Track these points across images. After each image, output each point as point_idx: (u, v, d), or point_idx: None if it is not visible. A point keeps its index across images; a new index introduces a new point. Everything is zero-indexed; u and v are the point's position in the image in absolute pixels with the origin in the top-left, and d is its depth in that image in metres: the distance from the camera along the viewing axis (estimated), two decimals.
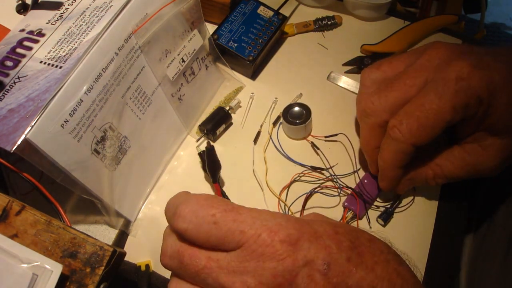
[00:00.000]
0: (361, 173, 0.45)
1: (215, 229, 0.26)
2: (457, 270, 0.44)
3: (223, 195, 0.43)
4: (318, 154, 0.46)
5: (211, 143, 0.42)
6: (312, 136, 0.47)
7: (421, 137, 0.36)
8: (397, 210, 0.43)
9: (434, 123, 0.35)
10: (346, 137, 0.46)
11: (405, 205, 0.43)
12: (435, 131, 0.36)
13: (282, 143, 0.47)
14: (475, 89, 0.34)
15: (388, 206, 0.43)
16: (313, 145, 0.46)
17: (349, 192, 0.43)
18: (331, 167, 0.45)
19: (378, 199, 0.44)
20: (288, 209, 0.43)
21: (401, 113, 0.37)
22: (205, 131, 0.46)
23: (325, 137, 0.47)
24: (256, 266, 0.25)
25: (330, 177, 0.44)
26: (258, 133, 0.47)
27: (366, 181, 0.43)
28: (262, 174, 0.44)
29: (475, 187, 0.47)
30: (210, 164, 0.42)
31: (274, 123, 0.48)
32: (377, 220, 0.43)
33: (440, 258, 0.41)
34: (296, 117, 0.45)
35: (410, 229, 0.42)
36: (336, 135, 0.47)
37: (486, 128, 0.37)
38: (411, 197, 0.44)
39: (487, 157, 0.38)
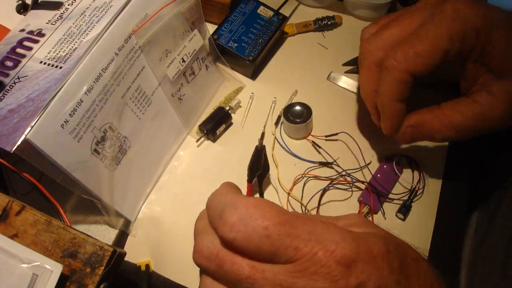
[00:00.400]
0: (367, 170, 0.45)
1: (267, 243, 0.25)
2: (457, 270, 0.44)
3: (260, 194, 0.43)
4: (320, 152, 0.46)
5: (259, 144, 0.41)
6: (312, 135, 0.47)
7: (418, 65, 0.35)
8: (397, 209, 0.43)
9: (431, 50, 0.35)
10: (348, 135, 0.46)
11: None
12: (432, 60, 0.35)
13: (284, 142, 0.47)
14: (471, 18, 0.34)
15: (405, 199, 0.43)
16: (314, 144, 0.46)
17: (361, 186, 0.44)
18: (335, 161, 0.45)
19: (392, 192, 0.44)
20: (305, 208, 0.43)
21: (396, 46, 0.36)
22: (205, 131, 0.46)
23: (326, 136, 0.47)
24: (307, 284, 0.24)
25: (341, 172, 0.44)
26: (263, 134, 0.47)
27: (379, 175, 0.44)
28: (271, 173, 0.44)
29: (475, 188, 0.47)
30: (251, 162, 0.41)
31: (276, 123, 0.48)
32: (396, 215, 0.43)
33: (440, 258, 0.41)
34: (297, 116, 0.45)
35: (410, 230, 0.42)
36: (336, 134, 0.47)
37: (489, 70, 0.36)
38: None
39: (495, 102, 0.36)
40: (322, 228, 0.25)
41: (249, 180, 0.42)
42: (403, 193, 0.44)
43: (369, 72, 0.39)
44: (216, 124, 0.46)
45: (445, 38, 0.34)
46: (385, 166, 0.45)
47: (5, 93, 0.34)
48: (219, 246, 0.26)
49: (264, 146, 0.41)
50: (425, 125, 0.39)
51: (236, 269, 0.25)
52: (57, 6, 0.40)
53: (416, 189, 0.44)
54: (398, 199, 0.43)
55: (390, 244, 0.26)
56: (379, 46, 0.38)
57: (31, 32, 0.38)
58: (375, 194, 0.43)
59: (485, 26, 0.34)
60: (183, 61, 0.44)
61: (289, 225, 0.25)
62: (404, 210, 0.43)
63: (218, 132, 0.46)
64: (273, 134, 0.47)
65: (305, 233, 0.25)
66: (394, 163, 0.45)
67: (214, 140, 0.47)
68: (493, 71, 0.36)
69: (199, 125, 0.47)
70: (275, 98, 0.49)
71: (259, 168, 0.42)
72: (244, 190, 0.42)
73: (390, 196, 0.44)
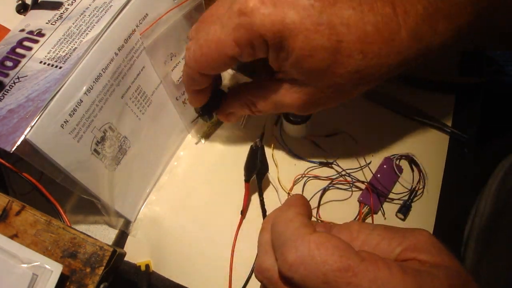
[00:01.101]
0: (367, 170, 0.45)
1: (326, 287, 0.24)
2: None
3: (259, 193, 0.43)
4: (320, 152, 0.46)
5: (258, 143, 0.41)
6: (313, 135, 0.47)
7: (204, 67, 0.34)
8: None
9: (216, 54, 0.33)
10: (348, 135, 0.46)
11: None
12: (219, 63, 0.34)
13: (284, 142, 0.47)
14: (256, 27, 0.30)
15: (406, 199, 0.43)
16: (314, 143, 0.46)
17: (361, 186, 0.44)
18: (335, 161, 0.45)
19: (392, 192, 0.44)
20: None
21: (195, 36, 0.35)
22: (200, 112, 0.43)
23: (326, 136, 0.47)
24: None
25: (341, 172, 0.44)
26: (262, 134, 0.47)
27: (379, 175, 0.44)
28: (271, 173, 0.44)
29: (473, 189, 0.47)
30: (247, 161, 0.42)
31: (276, 123, 0.48)
32: (396, 215, 0.43)
33: None
34: (296, 116, 0.45)
35: None
36: (336, 134, 0.47)
37: (289, 78, 0.34)
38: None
39: (290, 98, 0.35)
40: (385, 275, 0.24)
41: (246, 180, 0.42)
42: (403, 193, 0.44)
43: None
44: (211, 104, 0.42)
45: (230, 45, 0.32)
46: (385, 166, 0.45)
47: (5, 93, 0.34)
48: (278, 276, 0.26)
49: (263, 146, 0.41)
50: (239, 112, 0.41)
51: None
52: (57, 6, 0.40)
53: (416, 189, 0.44)
54: (398, 199, 0.43)
55: (456, 287, 0.25)
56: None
57: (31, 32, 0.38)
58: (375, 194, 0.43)
59: (274, 34, 0.30)
60: None
61: (351, 272, 0.24)
62: (404, 210, 0.43)
63: (214, 115, 0.44)
64: (273, 134, 0.47)
65: (366, 282, 0.24)
66: (394, 163, 0.45)
67: (212, 127, 0.47)
68: (292, 78, 0.34)
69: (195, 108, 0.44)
70: None
71: (255, 168, 0.42)
72: (243, 190, 0.42)
73: (390, 196, 0.44)
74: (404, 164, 0.45)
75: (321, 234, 0.25)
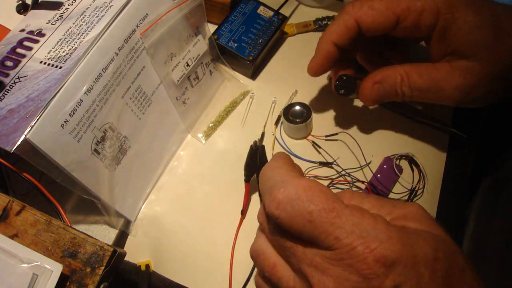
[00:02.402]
0: (367, 170, 0.45)
1: (309, 227, 0.25)
2: None
3: (259, 194, 0.43)
4: (320, 152, 0.46)
5: (258, 143, 0.41)
6: (312, 135, 0.47)
7: (367, 16, 0.37)
8: None
9: (385, 9, 0.37)
10: (348, 135, 0.46)
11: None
12: (383, 19, 0.37)
13: (284, 142, 0.47)
14: None
15: (406, 198, 0.43)
16: (314, 144, 0.46)
17: (361, 186, 0.44)
18: (335, 161, 0.45)
19: (392, 192, 0.44)
20: None
21: None
22: (340, 87, 0.43)
23: (326, 136, 0.47)
24: (340, 274, 0.24)
25: (341, 172, 0.44)
26: (263, 134, 0.47)
27: (379, 175, 0.44)
28: None
29: (473, 190, 0.47)
30: (247, 161, 0.41)
31: (276, 123, 0.48)
32: None
33: None
34: (296, 116, 0.45)
35: None
36: (336, 134, 0.47)
37: (454, 50, 0.37)
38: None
39: (452, 76, 0.37)
40: (369, 222, 0.25)
41: (246, 180, 0.42)
42: (403, 193, 0.44)
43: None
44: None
45: (402, 6, 0.36)
46: (385, 166, 0.45)
47: (5, 93, 0.34)
48: (265, 217, 0.28)
49: (263, 146, 0.41)
50: (388, 80, 0.40)
51: (284, 239, 0.26)
52: (57, 6, 0.40)
53: (416, 189, 0.44)
54: (398, 199, 0.43)
55: (440, 251, 0.25)
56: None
57: (31, 32, 0.38)
58: (375, 194, 0.43)
59: (448, 7, 0.35)
60: (188, 65, 0.44)
61: (335, 213, 0.25)
62: None
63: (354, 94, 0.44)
64: (273, 134, 0.47)
65: (349, 225, 0.25)
66: (394, 163, 0.45)
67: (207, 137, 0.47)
68: (458, 52, 0.37)
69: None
70: (275, 98, 0.49)
71: (255, 168, 0.42)
72: (243, 190, 0.42)
73: (390, 196, 0.44)
74: (404, 164, 0.45)
75: (309, 179, 0.26)
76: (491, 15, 0.36)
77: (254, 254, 0.30)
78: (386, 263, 0.24)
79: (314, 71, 0.42)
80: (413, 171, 0.45)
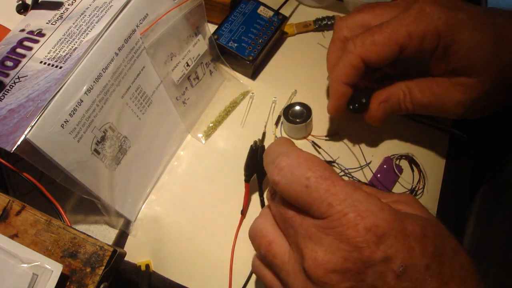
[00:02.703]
0: (367, 169, 0.45)
1: (305, 193, 0.26)
2: None
3: (260, 194, 0.43)
4: (320, 152, 0.46)
5: (258, 143, 0.41)
6: (312, 135, 0.47)
7: (371, 52, 0.37)
8: None
9: (387, 42, 0.37)
10: (348, 134, 0.46)
11: None
12: (386, 51, 0.37)
13: None
14: (433, 21, 0.36)
15: None
16: (314, 144, 0.46)
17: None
18: (335, 161, 0.45)
19: (392, 191, 0.44)
20: None
21: (362, 31, 0.39)
22: (351, 106, 0.43)
23: (326, 136, 0.47)
24: (332, 243, 0.25)
25: (341, 172, 0.44)
26: (264, 134, 0.47)
27: (379, 175, 0.44)
28: None
29: (473, 190, 0.47)
30: (247, 161, 0.41)
31: (276, 123, 0.48)
32: None
33: None
34: (296, 116, 0.45)
35: None
36: (336, 134, 0.47)
37: (454, 68, 0.37)
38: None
39: (452, 91, 0.38)
40: (362, 195, 0.26)
41: (246, 180, 0.42)
42: (403, 193, 0.44)
43: (333, 47, 0.42)
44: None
45: (403, 34, 0.36)
46: (385, 166, 0.45)
47: (5, 93, 0.34)
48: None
49: (264, 146, 0.41)
50: (393, 97, 0.41)
51: (286, 209, 0.28)
52: (57, 6, 0.40)
53: (416, 189, 0.44)
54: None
55: (429, 230, 0.26)
56: (347, 25, 0.41)
57: (31, 32, 0.38)
58: None
59: (448, 28, 0.35)
60: (188, 65, 0.44)
61: (330, 182, 0.26)
62: None
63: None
64: (273, 134, 0.47)
65: (343, 193, 0.25)
66: (394, 163, 0.45)
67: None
68: (457, 70, 0.37)
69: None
70: (275, 98, 0.49)
71: (255, 168, 0.42)
72: (243, 190, 0.42)
73: None
74: (404, 164, 0.45)
75: (310, 153, 0.28)
76: (493, 30, 0.36)
77: (252, 234, 0.31)
78: (377, 232, 0.24)
79: (336, 112, 0.43)
80: (413, 171, 0.45)
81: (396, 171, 0.44)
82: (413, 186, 0.44)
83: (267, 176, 0.29)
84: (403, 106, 0.41)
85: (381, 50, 0.37)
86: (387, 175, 0.44)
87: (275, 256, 0.29)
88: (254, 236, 0.31)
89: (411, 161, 0.45)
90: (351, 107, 0.42)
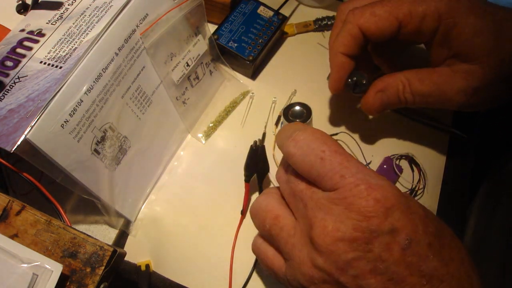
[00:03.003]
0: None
1: (320, 164, 0.27)
2: None
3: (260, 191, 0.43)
4: None
5: (258, 143, 0.41)
6: None
7: (370, 22, 0.37)
8: None
9: (387, 15, 0.37)
10: (348, 135, 0.46)
11: None
12: (385, 24, 0.37)
13: None
14: (435, 2, 0.36)
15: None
16: None
17: None
18: None
19: None
20: None
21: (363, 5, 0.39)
22: (351, 85, 0.42)
23: None
24: (341, 212, 0.25)
25: None
26: (264, 135, 0.47)
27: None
28: (272, 173, 0.44)
29: (473, 189, 0.47)
30: (247, 161, 0.41)
31: (276, 123, 0.48)
32: None
33: None
34: (296, 116, 0.45)
35: None
36: (336, 134, 0.47)
37: (456, 53, 0.37)
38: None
39: (454, 79, 0.37)
40: (373, 173, 0.27)
41: (246, 180, 0.42)
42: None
43: (336, 29, 0.42)
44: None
45: (404, 11, 0.36)
46: (385, 166, 0.45)
47: (5, 93, 0.34)
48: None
49: (264, 146, 0.41)
50: (390, 88, 0.40)
51: (297, 181, 0.29)
52: (57, 6, 0.40)
53: (416, 189, 0.44)
54: None
55: (429, 214, 0.27)
56: (349, 7, 0.40)
57: (31, 32, 0.38)
58: None
59: (449, 10, 0.36)
60: (188, 65, 0.44)
61: (344, 157, 0.27)
62: None
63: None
64: (273, 134, 0.47)
65: (355, 167, 0.26)
66: (394, 163, 0.45)
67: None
68: (460, 55, 0.37)
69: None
70: (275, 98, 0.49)
71: (255, 168, 0.42)
72: (243, 190, 0.42)
73: None
74: (404, 164, 0.45)
75: (322, 131, 0.29)
76: (493, 19, 0.36)
77: (255, 210, 0.32)
78: (386, 204, 0.25)
79: (336, 87, 0.42)
80: (413, 171, 0.45)
81: (397, 171, 0.44)
82: (413, 186, 0.44)
83: (282, 152, 0.30)
84: (402, 98, 0.40)
85: (379, 22, 0.37)
86: (387, 175, 0.44)
87: (282, 229, 0.30)
88: (258, 212, 0.32)
89: (411, 161, 0.45)
90: (349, 80, 0.41)
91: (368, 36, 0.38)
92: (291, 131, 0.29)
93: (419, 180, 0.44)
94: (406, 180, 0.44)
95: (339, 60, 0.40)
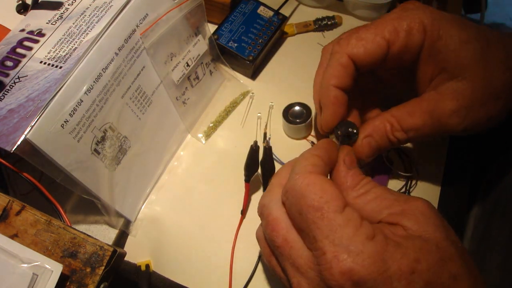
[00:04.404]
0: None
1: (299, 219, 0.27)
2: None
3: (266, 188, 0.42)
4: None
5: (258, 144, 0.40)
6: (312, 136, 0.47)
7: (358, 47, 0.35)
8: None
9: (373, 36, 0.35)
10: None
11: None
12: (374, 46, 0.35)
13: (283, 143, 0.47)
14: (418, 15, 0.35)
15: (402, 191, 0.43)
16: (314, 144, 0.46)
17: None
18: None
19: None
20: None
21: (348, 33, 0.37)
22: (340, 137, 0.38)
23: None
24: (314, 279, 0.26)
25: None
26: (265, 134, 0.47)
27: (374, 174, 0.44)
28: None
29: (473, 190, 0.47)
30: (247, 161, 0.41)
31: (264, 139, 0.47)
32: None
33: None
34: (296, 117, 0.45)
35: None
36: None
37: (443, 68, 0.36)
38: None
39: (444, 102, 0.35)
40: (348, 232, 0.26)
41: (246, 180, 0.42)
42: (419, 198, 0.44)
43: (321, 68, 0.39)
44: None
45: (389, 29, 0.35)
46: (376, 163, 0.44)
47: (5, 93, 0.34)
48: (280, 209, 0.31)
49: (270, 147, 0.41)
50: (377, 130, 0.37)
51: (277, 231, 0.29)
52: (57, 6, 0.40)
53: (412, 175, 0.44)
54: (407, 194, 0.44)
55: (423, 261, 0.25)
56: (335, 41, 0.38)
57: (31, 32, 0.38)
58: None
59: (433, 23, 0.35)
60: (188, 65, 0.44)
61: (320, 213, 0.26)
62: None
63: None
64: (269, 138, 0.47)
65: (327, 229, 0.26)
66: (383, 157, 0.44)
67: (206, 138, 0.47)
68: (446, 70, 0.35)
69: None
70: (275, 98, 0.49)
71: (255, 168, 0.42)
72: (243, 190, 0.42)
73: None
74: (394, 157, 0.45)
75: (322, 177, 0.29)
76: (477, 31, 0.35)
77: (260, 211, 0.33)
78: (353, 277, 0.24)
79: (331, 124, 0.37)
80: (403, 161, 0.45)
81: (388, 164, 0.44)
82: (408, 175, 0.44)
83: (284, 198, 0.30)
84: (392, 139, 0.37)
85: (367, 44, 0.35)
86: (378, 169, 0.44)
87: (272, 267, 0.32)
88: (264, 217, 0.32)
89: (401, 152, 0.45)
90: (339, 132, 0.37)
91: (359, 63, 0.36)
92: (288, 170, 0.30)
93: (411, 167, 0.44)
94: (401, 178, 0.44)
95: (332, 94, 0.36)
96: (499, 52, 0.35)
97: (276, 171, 0.37)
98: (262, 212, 0.32)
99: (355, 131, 0.37)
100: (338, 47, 0.36)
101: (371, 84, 0.42)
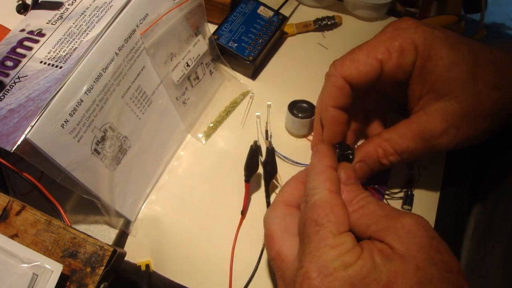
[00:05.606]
0: None
1: (302, 230, 0.30)
2: None
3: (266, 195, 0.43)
4: None
5: (258, 144, 0.40)
6: (313, 135, 0.47)
7: (352, 70, 0.37)
8: None
9: (366, 58, 0.36)
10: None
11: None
12: (367, 67, 0.36)
13: (284, 142, 0.47)
14: (410, 34, 0.36)
15: (405, 190, 0.44)
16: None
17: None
18: None
19: (391, 189, 0.44)
20: None
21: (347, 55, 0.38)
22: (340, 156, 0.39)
23: None
24: None
25: None
26: (267, 132, 0.47)
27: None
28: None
29: (473, 189, 0.47)
30: (247, 162, 0.41)
31: (266, 137, 0.47)
32: (402, 207, 0.43)
33: None
34: (301, 112, 0.45)
35: None
36: None
37: (430, 88, 0.36)
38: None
39: (433, 122, 0.36)
40: (335, 253, 0.27)
41: (246, 180, 0.42)
42: (413, 215, 0.44)
43: (323, 89, 0.41)
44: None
45: (382, 50, 0.36)
46: None
47: (5, 93, 0.34)
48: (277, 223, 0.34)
49: (273, 148, 0.41)
50: (370, 157, 0.38)
51: (270, 248, 0.33)
52: (57, 6, 0.40)
53: (411, 179, 0.44)
54: (400, 191, 0.44)
55: (396, 286, 0.25)
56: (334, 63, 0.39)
57: (31, 32, 0.38)
58: (375, 191, 0.43)
59: (425, 42, 0.35)
60: (188, 65, 0.44)
61: (317, 228, 0.29)
62: (409, 201, 0.43)
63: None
64: (267, 140, 0.47)
65: (315, 246, 0.28)
66: None
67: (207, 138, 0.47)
68: (435, 90, 0.36)
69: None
70: (275, 98, 0.49)
71: (255, 168, 0.42)
72: (243, 190, 0.42)
73: (392, 194, 0.44)
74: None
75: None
76: (468, 50, 0.35)
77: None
78: None
79: (329, 142, 0.40)
80: None
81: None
82: (408, 174, 0.44)
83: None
84: (385, 162, 0.38)
85: (360, 66, 0.36)
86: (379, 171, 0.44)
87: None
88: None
89: None
90: (337, 151, 0.39)
91: (353, 83, 0.37)
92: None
93: (412, 167, 0.44)
94: (401, 176, 0.44)
95: (330, 114, 0.39)
96: (488, 72, 0.35)
97: (281, 188, 0.38)
98: (264, 225, 0.35)
99: (351, 156, 0.39)
100: (334, 69, 0.38)
101: (374, 99, 0.43)
